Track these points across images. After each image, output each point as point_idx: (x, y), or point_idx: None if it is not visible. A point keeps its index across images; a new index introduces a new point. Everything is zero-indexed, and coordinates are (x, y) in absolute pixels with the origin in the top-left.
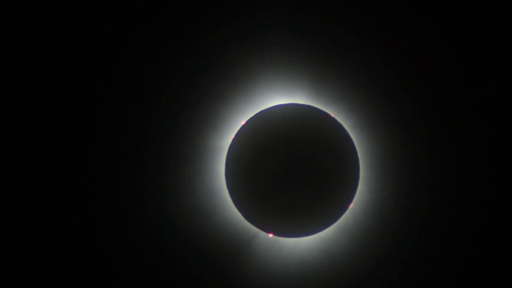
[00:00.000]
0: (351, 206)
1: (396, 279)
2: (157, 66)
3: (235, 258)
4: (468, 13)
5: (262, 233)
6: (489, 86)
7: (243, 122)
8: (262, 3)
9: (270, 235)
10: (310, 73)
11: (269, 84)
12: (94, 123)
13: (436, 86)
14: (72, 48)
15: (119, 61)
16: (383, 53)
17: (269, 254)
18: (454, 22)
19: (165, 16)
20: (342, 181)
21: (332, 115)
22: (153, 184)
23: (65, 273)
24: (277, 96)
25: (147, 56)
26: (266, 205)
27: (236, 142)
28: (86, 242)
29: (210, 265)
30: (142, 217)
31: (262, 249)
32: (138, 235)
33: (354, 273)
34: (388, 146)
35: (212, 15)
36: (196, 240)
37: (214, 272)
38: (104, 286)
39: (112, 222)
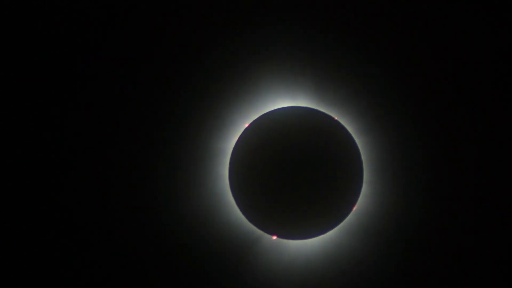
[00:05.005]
0: (354, 208)
1: (399, 280)
2: (160, 70)
3: (239, 260)
4: (471, 15)
5: (266, 236)
6: (494, 91)
7: (246, 125)
8: (265, 7)
9: (274, 237)
10: (314, 76)
11: (273, 87)
12: (96, 126)
13: (440, 90)
14: (81, 50)
15: (121, 64)
16: (388, 56)
17: (272, 256)
18: (458, 26)
19: (168, 20)
20: (345, 183)
21: (336, 117)
22: (157, 186)
23: (70, 272)
24: (280, 99)
25: (150, 60)
26: (270, 207)
27: (240, 145)
28: (88, 242)
29: (213, 267)
30: (145, 219)
31: (265, 252)
32: (140, 237)
33: (357, 275)
34: (392, 149)
35: (216, 18)
36: (199, 242)
37: (218, 274)
38: (105, 286)
39: (113, 223)
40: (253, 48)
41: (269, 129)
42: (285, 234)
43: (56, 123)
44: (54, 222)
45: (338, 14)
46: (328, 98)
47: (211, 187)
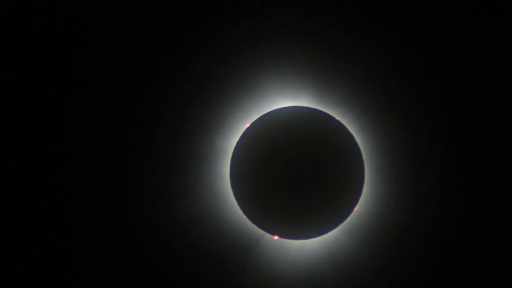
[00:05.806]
0: (356, 208)
1: (400, 281)
2: (161, 69)
3: (240, 260)
4: (472, 16)
5: (267, 235)
6: (494, 90)
7: (247, 125)
8: (266, 6)
9: (275, 237)
10: (315, 76)
11: (274, 87)
12: (96, 126)
13: (442, 89)
14: (81, 49)
15: (122, 64)
16: (389, 55)
17: (273, 256)
18: (459, 24)
19: (169, 18)
20: (347, 183)
21: (337, 117)
22: (158, 186)
23: (70, 272)
24: (281, 99)
25: (150, 59)
26: (271, 207)
27: (241, 145)
28: (88, 242)
29: (214, 267)
30: (146, 218)
31: (266, 251)
32: (141, 237)
33: (358, 275)
34: (393, 149)
35: (216, 17)
36: (200, 242)
37: (218, 275)
38: (105, 286)
39: (115, 223)
40: (253, 48)
41: (270, 129)
42: (286, 234)
43: (56, 123)
44: (54, 222)
45: (340, 13)
46: (330, 98)
47: (212, 187)
